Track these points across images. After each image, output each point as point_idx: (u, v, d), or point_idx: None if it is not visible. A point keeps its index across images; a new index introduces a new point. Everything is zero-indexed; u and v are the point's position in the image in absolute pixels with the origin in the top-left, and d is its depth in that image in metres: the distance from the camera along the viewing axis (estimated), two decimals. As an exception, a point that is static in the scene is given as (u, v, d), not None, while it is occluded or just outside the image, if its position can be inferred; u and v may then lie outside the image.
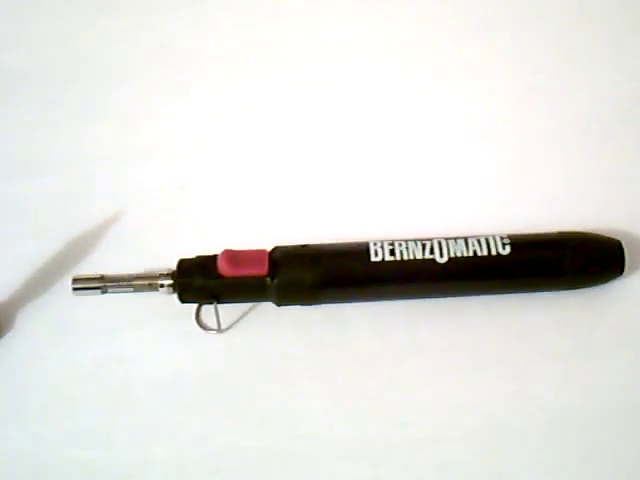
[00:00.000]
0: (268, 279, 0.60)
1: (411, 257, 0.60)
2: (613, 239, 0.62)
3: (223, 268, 0.60)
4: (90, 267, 0.65)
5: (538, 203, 0.67)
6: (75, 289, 0.61)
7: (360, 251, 0.61)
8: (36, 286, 0.65)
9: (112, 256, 0.66)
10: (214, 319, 0.62)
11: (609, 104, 0.71)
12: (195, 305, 0.63)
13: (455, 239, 0.61)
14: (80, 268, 0.65)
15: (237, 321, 0.63)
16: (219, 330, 0.62)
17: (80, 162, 0.71)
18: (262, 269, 0.60)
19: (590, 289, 0.62)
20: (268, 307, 0.62)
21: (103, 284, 0.61)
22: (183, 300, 0.62)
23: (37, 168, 0.70)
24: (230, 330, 0.63)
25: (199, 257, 0.62)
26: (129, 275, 0.62)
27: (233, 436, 0.59)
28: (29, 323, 0.64)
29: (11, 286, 0.65)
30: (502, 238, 0.61)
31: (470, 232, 0.62)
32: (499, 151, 0.70)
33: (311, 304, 0.62)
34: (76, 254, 0.66)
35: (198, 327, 0.63)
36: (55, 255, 0.66)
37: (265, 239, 0.63)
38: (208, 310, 0.62)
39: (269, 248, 0.62)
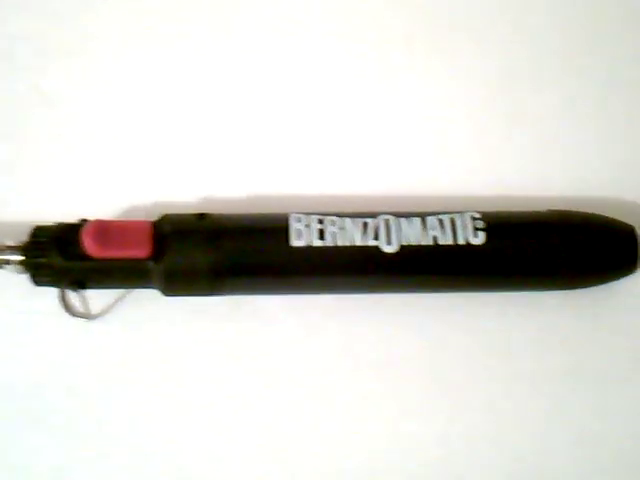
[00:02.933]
0: (151, 263, 0.44)
1: (347, 243, 0.44)
2: (625, 224, 0.46)
3: (89, 246, 0.44)
4: None
5: (519, 168, 0.50)
6: None
7: (278, 230, 0.45)
8: None
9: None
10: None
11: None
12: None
13: (408, 216, 0.45)
14: None
15: (115, 305, 0.48)
16: (89, 317, 0.47)
17: None
18: (143, 249, 0.44)
19: (592, 289, 0.47)
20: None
21: None
22: (37, 283, 0.46)
23: None
24: (106, 317, 0.47)
25: (60, 225, 0.45)
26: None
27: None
28: None
29: None
30: (474, 219, 0.45)
31: (429, 206, 0.46)
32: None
33: (208, 295, 0.46)
34: None
35: (64, 310, 0.47)
36: None
37: (151, 205, 0.47)
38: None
39: (154, 218, 0.46)
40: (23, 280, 0.46)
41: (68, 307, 0.47)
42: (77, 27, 0.51)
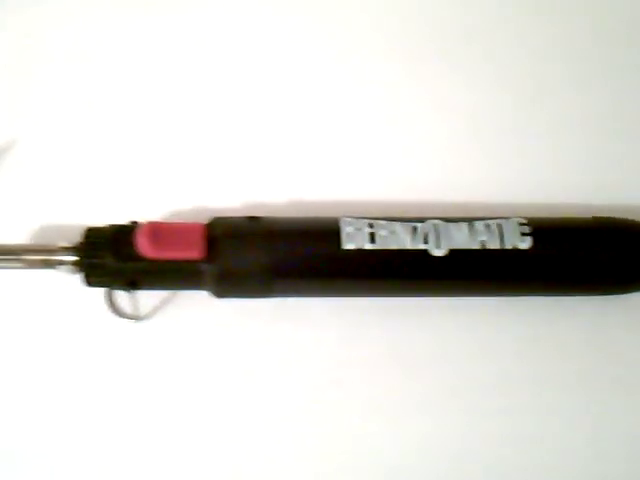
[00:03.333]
0: (204, 264, 0.45)
1: (397, 247, 0.45)
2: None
3: (144, 247, 0.44)
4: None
5: (565, 175, 0.51)
6: (-55, 261, 0.46)
7: (329, 233, 0.45)
8: None
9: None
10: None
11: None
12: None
13: (456, 221, 0.46)
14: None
15: (162, 307, 0.48)
16: (137, 318, 0.48)
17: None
18: (196, 251, 0.45)
19: (635, 294, 0.48)
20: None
21: (-20, 256, 0.46)
22: (90, 284, 0.46)
23: None
24: (154, 319, 0.48)
25: (113, 227, 0.46)
26: (17, 247, 0.46)
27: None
28: None
29: None
30: (520, 224, 0.46)
31: (475, 210, 0.47)
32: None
33: (259, 297, 0.47)
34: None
35: (111, 312, 0.48)
36: None
37: (203, 207, 0.48)
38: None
39: (206, 220, 0.46)
40: (76, 280, 0.46)
41: (115, 308, 0.48)
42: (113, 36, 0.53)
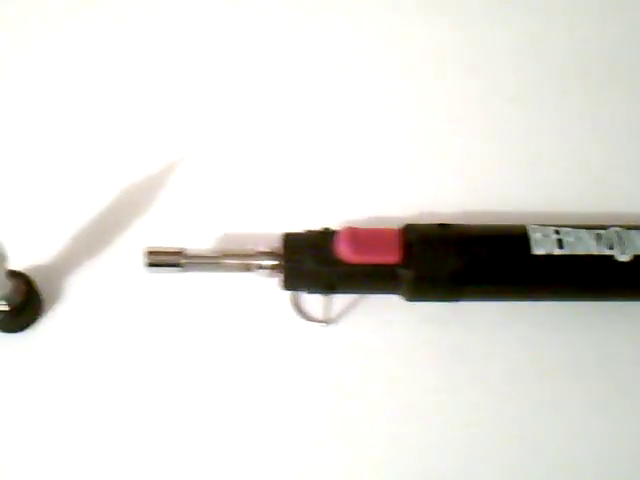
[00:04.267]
0: (401, 268, 0.47)
1: (584, 252, 0.47)
2: None
3: (344, 251, 0.46)
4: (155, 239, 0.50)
5: None
6: (150, 264, 0.48)
7: (519, 239, 0.48)
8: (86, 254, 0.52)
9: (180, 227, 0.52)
10: (315, 306, 0.50)
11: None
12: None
13: (637, 229, 0.48)
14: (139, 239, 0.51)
15: (347, 312, 0.50)
16: (328, 322, 0.50)
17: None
18: (393, 255, 0.47)
19: None
20: (389, 298, 0.49)
21: (184, 260, 0.48)
22: (287, 287, 0.48)
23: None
24: (341, 323, 0.50)
25: (312, 232, 0.48)
26: (217, 251, 0.48)
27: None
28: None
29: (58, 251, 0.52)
30: None
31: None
32: None
33: (449, 300, 0.49)
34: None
35: (299, 316, 0.50)
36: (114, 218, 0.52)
37: (388, 214, 0.50)
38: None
39: (395, 226, 0.48)
40: (272, 284, 0.48)
41: (301, 312, 0.50)
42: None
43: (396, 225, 0.48)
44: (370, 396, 0.48)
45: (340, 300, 0.50)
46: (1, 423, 0.48)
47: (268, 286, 0.49)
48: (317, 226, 0.48)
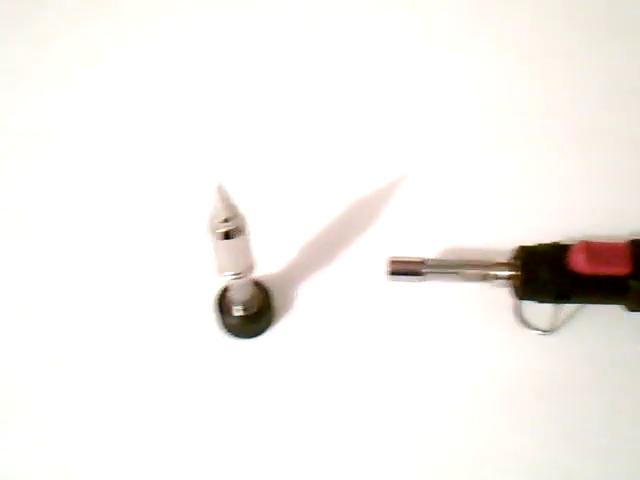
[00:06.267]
0: (630, 280, 0.50)
1: None
2: None
3: (579, 263, 0.50)
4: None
5: None
6: (392, 273, 0.51)
7: None
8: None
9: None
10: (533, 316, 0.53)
11: None
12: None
13: None
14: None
15: (566, 322, 0.53)
16: (550, 331, 0.53)
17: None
18: (625, 267, 0.50)
19: None
20: (608, 309, 0.52)
21: (426, 269, 0.51)
22: (522, 296, 0.51)
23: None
24: (562, 332, 0.53)
25: (547, 245, 0.51)
26: (457, 261, 0.52)
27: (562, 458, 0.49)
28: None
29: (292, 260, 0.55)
30: None
31: None
32: None
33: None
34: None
35: (520, 323, 0.53)
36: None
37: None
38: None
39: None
40: (504, 294, 0.52)
41: (524, 320, 0.53)
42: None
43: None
44: (593, 403, 0.51)
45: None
46: (232, 424, 0.50)
47: (493, 296, 0.52)
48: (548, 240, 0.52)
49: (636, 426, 0.50)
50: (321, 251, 0.55)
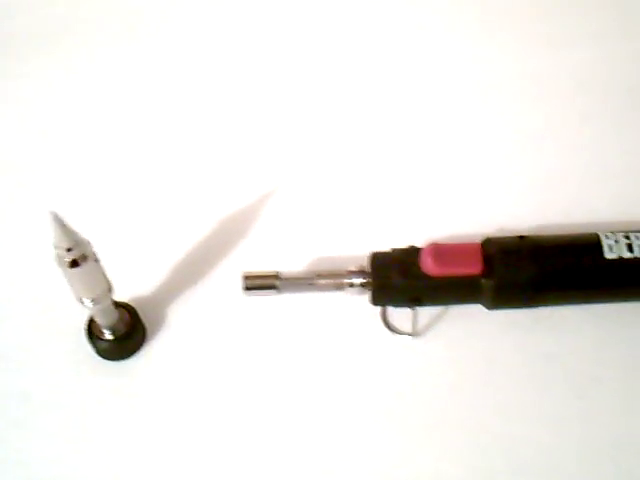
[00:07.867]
0: (482, 279, 0.50)
1: (652, 254, 0.50)
2: None
3: (428, 266, 0.50)
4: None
5: None
6: (247, 288, 0.51)
7: (590, 245, 0.51)
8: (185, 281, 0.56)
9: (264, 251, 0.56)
10: (401, 320, 0.53)
11: None
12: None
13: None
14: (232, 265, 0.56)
15: (432, 324, 0.53)
16: (414, 334, 0.53)
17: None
18: (476, 267, 0.50)
19: None
20: (469, 308, 0.53)
21: (279, 282, 0.51)
22: (376, 302, 0.52)
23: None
24: (427, 335, 0.53)
25: (396, 250, 0.52)
26: (309, 272, 0.52)
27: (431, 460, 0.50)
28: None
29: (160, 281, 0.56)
30: None
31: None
32: None
33: (528, 307, 0.52)
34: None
35: (386, 329, 0.53)
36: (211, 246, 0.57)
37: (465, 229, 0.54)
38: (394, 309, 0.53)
39: (476, 240, 0.52)
40: (361, 301, 0.52)
41: (390, 325, 0.53)
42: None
43: (477, 240, 0.52)
44: (460, 403, 0.51)
45: (426, 313, 0.53)
46: (108, 449, 0.50)
47: (358, 304, 0.53)
48: (402, 245, 0.52)
49: (509, 420, 0.50)
50: (190, 269, 0.56)
